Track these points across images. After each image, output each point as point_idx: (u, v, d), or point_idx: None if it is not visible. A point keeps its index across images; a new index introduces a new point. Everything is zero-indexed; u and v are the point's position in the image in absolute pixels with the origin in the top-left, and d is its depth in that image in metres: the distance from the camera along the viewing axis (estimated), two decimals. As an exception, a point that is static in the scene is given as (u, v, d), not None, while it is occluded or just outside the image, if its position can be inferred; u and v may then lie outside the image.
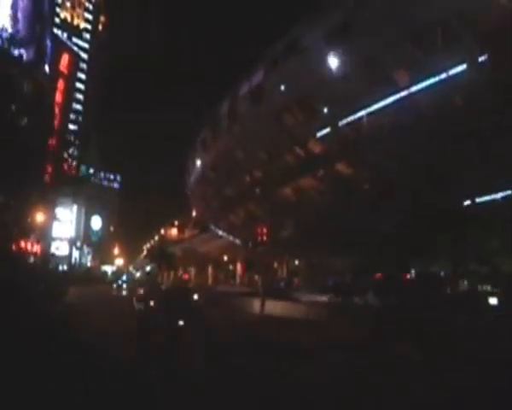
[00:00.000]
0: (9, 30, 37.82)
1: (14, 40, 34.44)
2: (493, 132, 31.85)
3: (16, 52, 34.49)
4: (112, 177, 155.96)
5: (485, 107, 31.48)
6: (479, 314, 25.36)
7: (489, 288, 40.48)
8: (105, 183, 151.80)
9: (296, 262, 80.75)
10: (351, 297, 43.60)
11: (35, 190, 36.84)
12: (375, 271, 47.67)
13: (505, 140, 31.66)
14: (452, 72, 33.60)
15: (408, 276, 47.23)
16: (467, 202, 39.21)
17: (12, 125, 31.33)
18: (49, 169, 43.43)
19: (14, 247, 42.14)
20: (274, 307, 39.08)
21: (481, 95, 31.53)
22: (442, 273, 46.01)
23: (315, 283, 62.45)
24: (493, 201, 38.06)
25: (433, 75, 34.87)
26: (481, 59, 32.07)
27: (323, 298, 45.57)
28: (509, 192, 36.97)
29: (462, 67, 33.13)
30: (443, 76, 34.22)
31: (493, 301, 35.00)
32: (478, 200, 38.89)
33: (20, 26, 63.38)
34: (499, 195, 37.76)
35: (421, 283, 42.88)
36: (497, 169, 33.36)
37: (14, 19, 62.70)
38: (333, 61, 40.99)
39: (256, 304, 41.25)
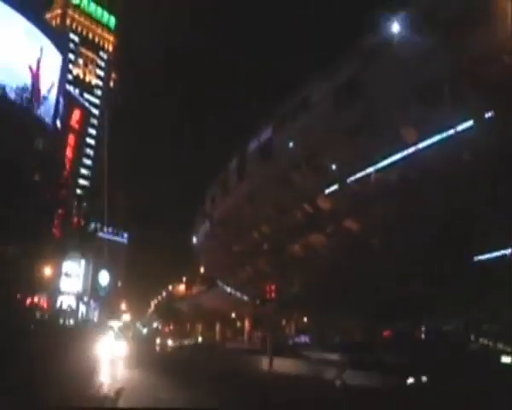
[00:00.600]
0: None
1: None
2: (501, 187, 31.88)
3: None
4: (121, 232, 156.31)
5: (494, 162, 31.55)
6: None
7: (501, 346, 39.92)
8: (113, 238, 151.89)
9: (305, 320, 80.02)
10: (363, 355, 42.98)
11: (46, 246, 36.97)
12: (385, 328, 47.24)
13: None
14: (460, 128, 33.77)
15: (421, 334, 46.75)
16: (477, 258, 38.91)
17: (26, 181, 31.62)
18: (59, 223, 43.60)
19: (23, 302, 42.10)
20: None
21: (490, 150, 31.63)
22: (455, 330, 45.46)
23: (324, 341, 61.73)
24: (503, 256, 37.82)
25: (441, 131, 35.05)
26: (488, 115, 32.27)
27: (334, 356, 44.87)
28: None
29: (469, 123, 33.33)
30: (450, 132, 34.39)
31: (507, 359, 34.49)
32: (488, 256, 38.64)
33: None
34: (509, 250, 37.54)
35: (432, 340, 42.38)
36: (506, 224, 33.23)
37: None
38: (340, 118, 41.34)
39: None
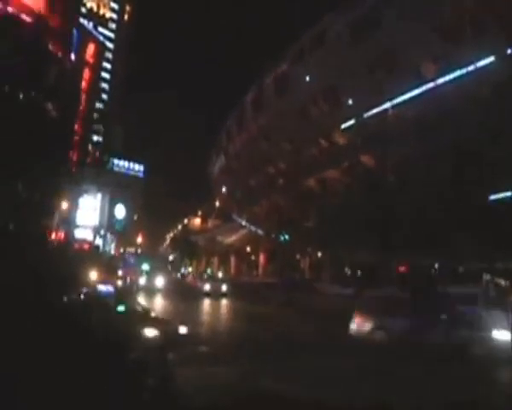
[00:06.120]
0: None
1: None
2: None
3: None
4: (136, 165, 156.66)
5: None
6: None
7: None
8: (129, 171, 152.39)
9: (319, 254, 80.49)
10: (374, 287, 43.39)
11: (61, 175, 37.05)
12: (397, 263, 47.50)
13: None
14: (480, 63, 33.31)
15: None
16: (494, 196, 38.68)
17: (38, 109, 31.53)
18: (75, 156, 43.71)
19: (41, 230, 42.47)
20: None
21: (509, 86, 31.18)
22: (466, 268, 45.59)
23: (338, 275, 62.32)
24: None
25: (460, 68, 34.59)
26: (509, 51, 31.79)
27: (348, 291, 45.15)
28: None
29: (489, 60, 32.85)
30: (470, 68, 33.93)
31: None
32: (505, 194, 38.42)
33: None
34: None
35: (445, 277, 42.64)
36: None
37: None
38: (358, 53, 40.80)
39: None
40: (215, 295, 43.38)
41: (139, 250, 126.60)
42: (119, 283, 39.84)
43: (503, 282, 40.69)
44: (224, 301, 41.42)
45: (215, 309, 36.15)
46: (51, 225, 46.45)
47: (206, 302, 39.58)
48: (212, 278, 59.98)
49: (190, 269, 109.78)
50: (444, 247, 39.58)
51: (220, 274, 75.55)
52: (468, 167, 35.21)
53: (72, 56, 76.33)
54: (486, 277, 42.50)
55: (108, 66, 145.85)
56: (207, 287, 45.26)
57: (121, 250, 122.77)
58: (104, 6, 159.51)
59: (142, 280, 46.70)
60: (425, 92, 37.62)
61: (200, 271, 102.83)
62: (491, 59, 32.73)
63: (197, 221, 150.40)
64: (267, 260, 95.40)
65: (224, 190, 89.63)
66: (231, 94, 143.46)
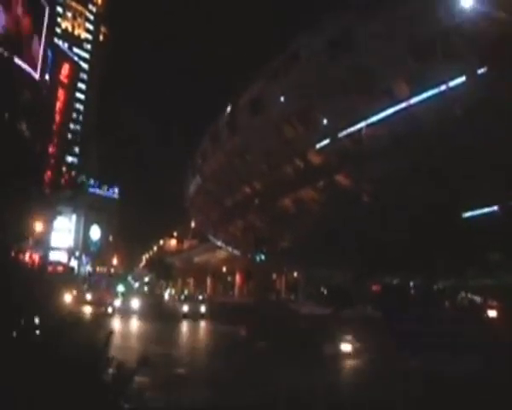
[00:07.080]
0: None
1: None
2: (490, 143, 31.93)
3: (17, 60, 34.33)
4: (111, 187, 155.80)
5: (484, 117, 31.55)
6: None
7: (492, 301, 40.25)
8: (104, 193, 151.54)
9: (295, 274, 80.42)
10: (350, 307, 43.38)
11: (34, 194, 36.54)
12: (373, 282, 47.57)
13: (502, 150, 31.75)
14: (452, 84, 33.69)
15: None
16: (467, 214, 39.00)
17: (12, 127, 31.14)
18: (49, 175, 43.18)
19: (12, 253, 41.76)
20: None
21: (480, 106, 31.58)
22: (441, 286, 45.80)
23: (313, 294, 62.31)
24: (492, 213, 37.94)
25: (433, 87, 34.94)
26: (480, 71, 32.20)
27: (325, 311, 45.00)
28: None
29: (461, 80, 33.25)
30: (442, 88, 34.29)
31: (492, 313, 34.91)
32: (477, 212, 38.76)
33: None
34: (496, 207, 37.68)
35: (420, 295, 42.77)
36: (496, 181, 33.32)
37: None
38: (332, 73, 40.99)
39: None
40: (194, 316, 43.07)
41: (112, 270, 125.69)
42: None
43: (477, 298, 41.04)
44: (204, 323, 41.16)
45: (196, 332, 35.81)
46: (24, 248, 45.82)
47: (186, 325, 39.18)
48: (190, 299, 59.72)
49: (169, 290, 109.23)
50: (419, 265, 39.76)
51: (200, 296, 75.18)
52: (441, 186, 35.46)
53: (47, 76, 75.93)
54: (462, 294, 42.91)
55: (83, 86, 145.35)
56: (186, 308, 44.87)
57: (90, 270, 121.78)
58: (79, 26, 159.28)
59: (118, 302, 45.96)
60: (398, 112, 37.92)
61: (178, 292, 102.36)
62: (463, 79, 33.12)
63: (173, 242, 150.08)
64: (243, 280, 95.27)
65: (199, 210, 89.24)
66: (207, 114, 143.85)
